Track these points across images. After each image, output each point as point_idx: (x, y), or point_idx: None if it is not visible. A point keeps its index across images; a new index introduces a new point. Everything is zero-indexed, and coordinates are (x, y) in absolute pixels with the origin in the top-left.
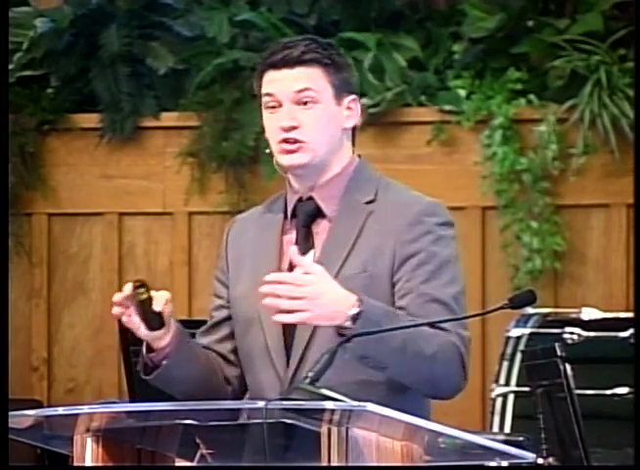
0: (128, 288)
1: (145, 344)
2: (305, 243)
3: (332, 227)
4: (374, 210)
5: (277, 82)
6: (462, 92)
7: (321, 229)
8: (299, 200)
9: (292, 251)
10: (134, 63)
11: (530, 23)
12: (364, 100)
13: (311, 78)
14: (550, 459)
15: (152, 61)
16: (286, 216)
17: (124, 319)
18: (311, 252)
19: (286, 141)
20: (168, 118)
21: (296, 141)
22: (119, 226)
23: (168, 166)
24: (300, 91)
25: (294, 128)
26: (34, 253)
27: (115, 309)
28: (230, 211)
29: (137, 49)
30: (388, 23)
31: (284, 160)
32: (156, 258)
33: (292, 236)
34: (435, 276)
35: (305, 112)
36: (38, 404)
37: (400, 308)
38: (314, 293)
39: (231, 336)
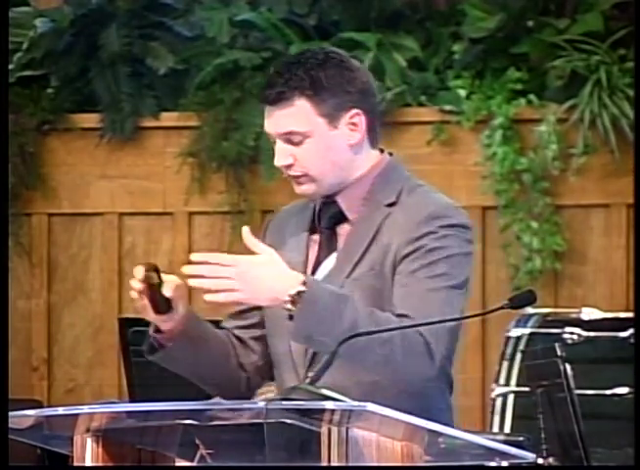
0: (140, 271)
1: (152, 324)
2: (329, 245)
3: (351, 230)
4: (392, 212)
5: (267, 120)
6: (462, 92)
7: (344, 231)
8: (325, 201)
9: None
10: (134, 63)
11: (530, 23)
12: None
13: (296, 117)
14: (550, 459)
15: (152, 61)
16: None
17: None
18: (334, 254)
19: (289, 174)
20: (168, 118)
21: (297, 175)
22: (119, 226)
23: (168, 166)
24: (285, 134)
25: (289, 166)
26: (34, 253)
27: (134, 294)
28: (230, 210)
29: (137, 49)
30: (388, 23)
31: (295, 189)
32: (156, 258)
33: (318, 236)
34: (429, 267)
35: (298, 148)
36: (38, 404)
37: (396, 302)
38: (245, 273)
39: (258, 325)
